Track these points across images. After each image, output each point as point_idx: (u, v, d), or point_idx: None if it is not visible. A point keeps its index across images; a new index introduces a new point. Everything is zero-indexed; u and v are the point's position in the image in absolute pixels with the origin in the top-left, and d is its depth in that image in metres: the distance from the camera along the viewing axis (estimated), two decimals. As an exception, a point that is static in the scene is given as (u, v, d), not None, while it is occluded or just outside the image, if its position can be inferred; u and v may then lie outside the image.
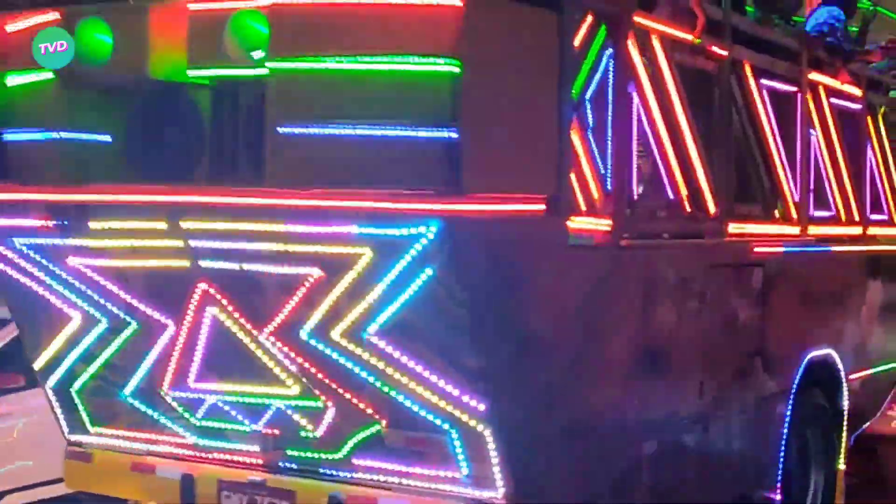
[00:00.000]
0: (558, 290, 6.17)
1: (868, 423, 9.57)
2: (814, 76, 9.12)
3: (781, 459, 8.67)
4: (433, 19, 5.55)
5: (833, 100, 9.50)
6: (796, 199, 8.77)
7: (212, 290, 6.30)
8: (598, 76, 6.52)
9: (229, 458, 6.85)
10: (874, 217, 10.28)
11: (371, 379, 6.07)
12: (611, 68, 6.61)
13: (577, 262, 6.31)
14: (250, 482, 6.75)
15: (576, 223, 6.24)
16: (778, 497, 8.62)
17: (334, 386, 6.22)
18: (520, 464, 6.03)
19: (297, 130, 5.75)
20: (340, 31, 5.68)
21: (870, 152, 10.27)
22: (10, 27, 6.80)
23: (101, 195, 6.30)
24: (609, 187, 6.58)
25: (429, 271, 5.58)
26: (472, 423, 5.93)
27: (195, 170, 6.55)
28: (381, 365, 5.98)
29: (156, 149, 6.56)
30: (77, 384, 7.13)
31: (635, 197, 6.88)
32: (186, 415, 6.87)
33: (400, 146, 5.63)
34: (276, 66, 5.78)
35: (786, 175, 8.63)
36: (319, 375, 6.23)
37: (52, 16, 6.42)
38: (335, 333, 6.01)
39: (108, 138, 6.65)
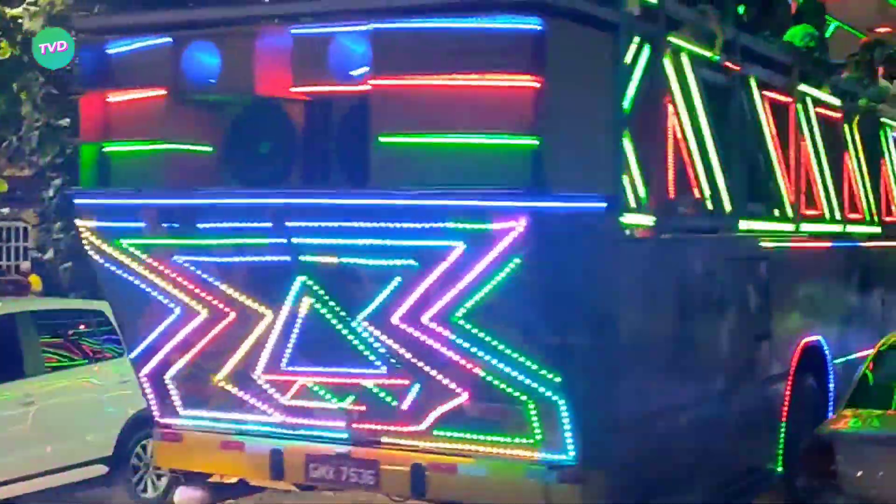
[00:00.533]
0: (617, 276, 7.07)
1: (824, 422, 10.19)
2: (802, 88, 10.10)
3: (783, 435, 9.60)
4: (516, 42, 6.44)
5: (818, 109, 10.48)
6: (791, 199, 9.73)
7: (310, 283, 7.11)
8: (642, 90, 7.41)
9: (316, 434, 7.62)
10: (852, 216, 11.28)
11: (457, 358, 6.90)
12: (651, 82, 7.51)
13: (630, 253, 7.22)
14: (336, 454, 7.54)
15: (627, 219, 7.14)
16: (780, 469, 9.56)
17: (421, 365, 7.05)
18: (587, 429, 6.89)
19: (397, 139, 6.60)
20: (434, 52, 6.57)
21: (847, 157, 11.27)
22: (112, 50, 7.60)
23: (212, 199, 7.10)
24: (651, 188, 7.47)
25: (517, 260, 6.45)
26: (548, 393, 6.79)
27: (288, 176, 7.34)
28: (467, 345, 6.82)
29: (252, 157, 7.35)
30: (171, 371, 7.89)
31: (671, 196, 7.77)
32: (276, 396, 7.64)
33: (486, 152, 6.50)
34: (378, 83, 6.63)
35: (783, 177, 9.58)
36: (408, 356, 7.05)
37: (164, 39, 7.20)
38: (425, 318, 6.84)
39: (209, 148, 7.44)
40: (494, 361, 6.83)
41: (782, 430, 9.62)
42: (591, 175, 6.86)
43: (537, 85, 6.45)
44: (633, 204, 7.25)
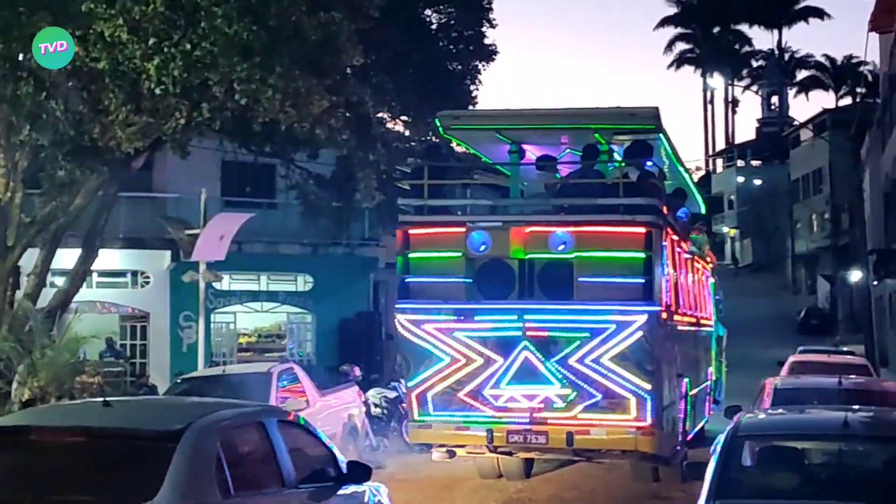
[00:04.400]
0: (662, 339, 15.59)
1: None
2: (683, 244, 18.94)
3: (684, 430, 18.29)
4: (639, 238, 14.95)
5: (685, 254, 19.36)
6: (691, 303, 18.54)
7: (529, 344, 15.20)
8: (665, 256, 15.99)
9: (511, 420, 15.58)
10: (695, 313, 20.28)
11: (599, 378, 15.14)
12: (667, 252, 16.11)
13: (665, 329, 15.76)
14: (524, 429, 15.55)
15: (663, 315, 15.68)
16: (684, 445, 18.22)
17: (581, 383, 15.22)
18: (655, 409, 15.25)
19: (587, 279, 14.95)
20: (603, 240, 14.97)
21: (696, 278, 20.31)
22: (412, 231, 15.58)
23: (485, 305, 15.19)
24: (663, 299, 16.01)
25: (640, 332, 14.85)
26: (642, 392, 15.13)
27: (509, 296, 15.42)
28: (606, 371, 15.09)
29: (491, 285, 15.44)
30: (433, 391, 15.68)
31: (670, 303, 16.32)
32: (492, 400, 15.56)
33: (626, 284, 14.94)
34: (578, 254, 14.95)
35: (685, 292, 18.37)
36: (573, 378, 15.22)
37: (459, 229, 15.28)
38: (587, 360, 15.08)
39: (469, 280, 15.51)
40: (617, 378, 15.11)
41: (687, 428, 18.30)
42: (654, 292, 15.33)
43: (645, 255, 14.96)
44: (661, 307, 15.77)
